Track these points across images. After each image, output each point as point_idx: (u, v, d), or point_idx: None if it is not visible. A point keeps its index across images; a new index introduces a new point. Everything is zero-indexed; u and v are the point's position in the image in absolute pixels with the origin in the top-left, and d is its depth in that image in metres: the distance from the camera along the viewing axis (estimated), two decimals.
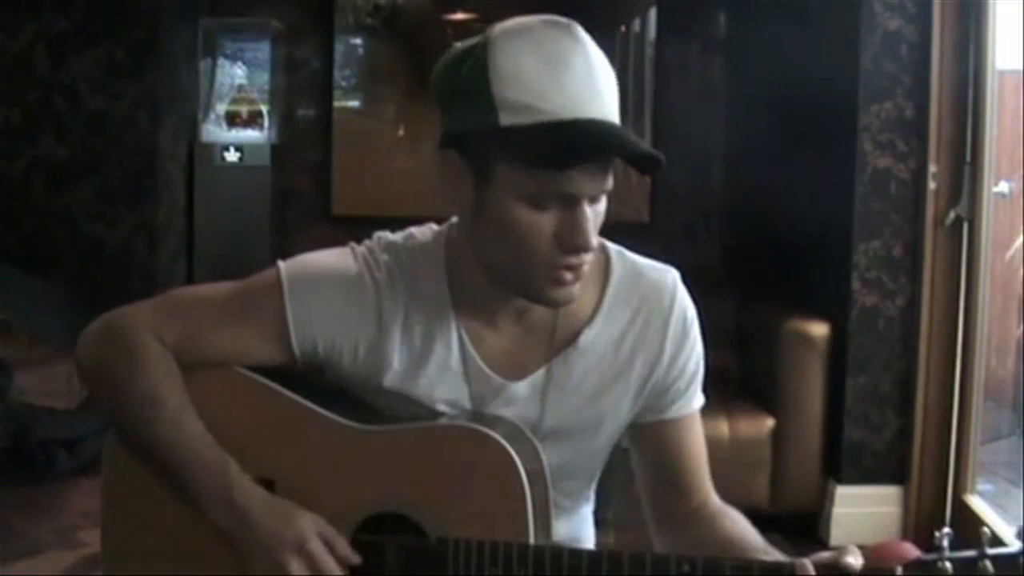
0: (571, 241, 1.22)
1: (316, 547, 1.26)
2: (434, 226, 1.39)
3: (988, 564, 1.07)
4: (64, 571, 2.52)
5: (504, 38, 1.21)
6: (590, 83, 1.20)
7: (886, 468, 3.48)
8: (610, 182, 1.23)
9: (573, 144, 1.18)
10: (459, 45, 1.27)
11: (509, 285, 1.29)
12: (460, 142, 1.25)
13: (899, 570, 1.09)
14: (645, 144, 1.24)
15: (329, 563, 1.26)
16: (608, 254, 1.38)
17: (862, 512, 3.42)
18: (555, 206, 1.21)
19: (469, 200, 1.26)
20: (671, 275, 1.40)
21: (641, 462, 1.44)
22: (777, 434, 3.49)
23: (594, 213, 1.24)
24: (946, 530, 1.10)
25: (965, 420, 3.36)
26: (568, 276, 1.25)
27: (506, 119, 1.19)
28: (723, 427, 3.45)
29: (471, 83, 1.21)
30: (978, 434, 3.41)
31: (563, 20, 1.24)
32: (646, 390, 1.38)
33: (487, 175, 1.23)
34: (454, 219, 1.36)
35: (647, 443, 1.41)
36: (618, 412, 1.38)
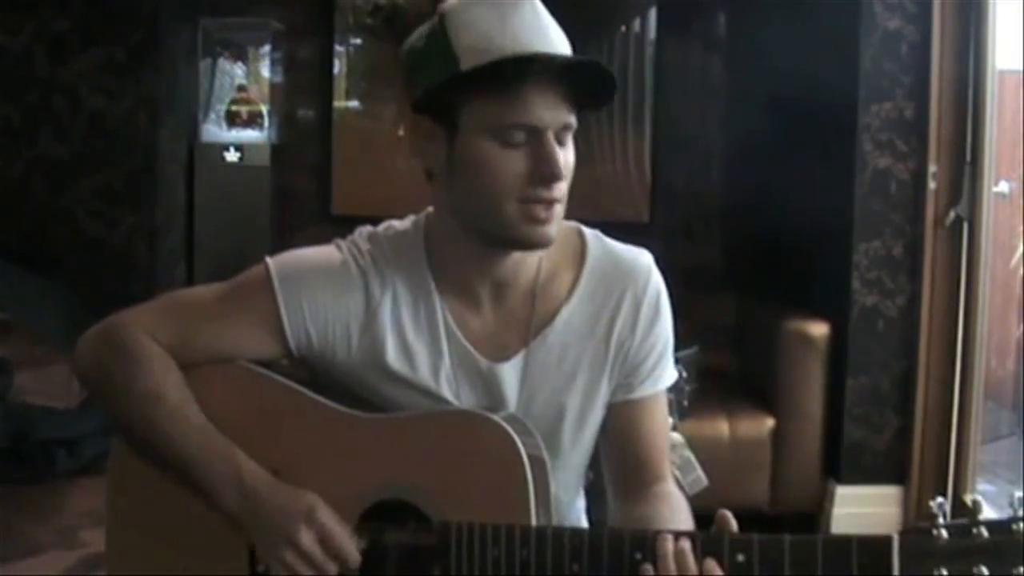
0: (541, 171, 1.27)
1: (326, 516, 1.28)
2: (412, 216, 1.43)
3: (982, 530, 1.08)
4: (64, 571, 2.51)
5: (458, 2, 1.30)
6: (538, 28, 1.28)
7: (886, 468, 3.48)
8: (574, 119, 1.29)
9: (523, 66, 1.24)
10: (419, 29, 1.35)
11: (487, 233, 1.32)
12: (429, 101, 1.31)
13: (895, 539, 1.09)
14: (595, 59, 1.30)
15: (338, 531, 1.28)
16: (584, 237, 1.43)
17: (862, 512, 3.42)
18: (522, 142, 1.27)
19: (442, 156, 1.31)
20: (645, 257, 1.44)
21: (605, 439, 1.46)
22: (777, 434, 3.49)
23: (564, 155, 1.29)
24: (940, 500, 1.11)
25: (965, 420, 3.36)
26: (542, 213, 1.29)
27: (466, 63, 1.26)
28: (723, 427, 3.44)
29: (433, 45, 1.29)
30: (978, 434, 3.41)
31: None
32: (617, 368, 1.40)
33: (455, 123, 1.29)
34: (430, 208, 1.40)
35: (612, 420, 1.44)
36: (598, 389, 1.40)
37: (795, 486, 3.50)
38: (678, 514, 1.36)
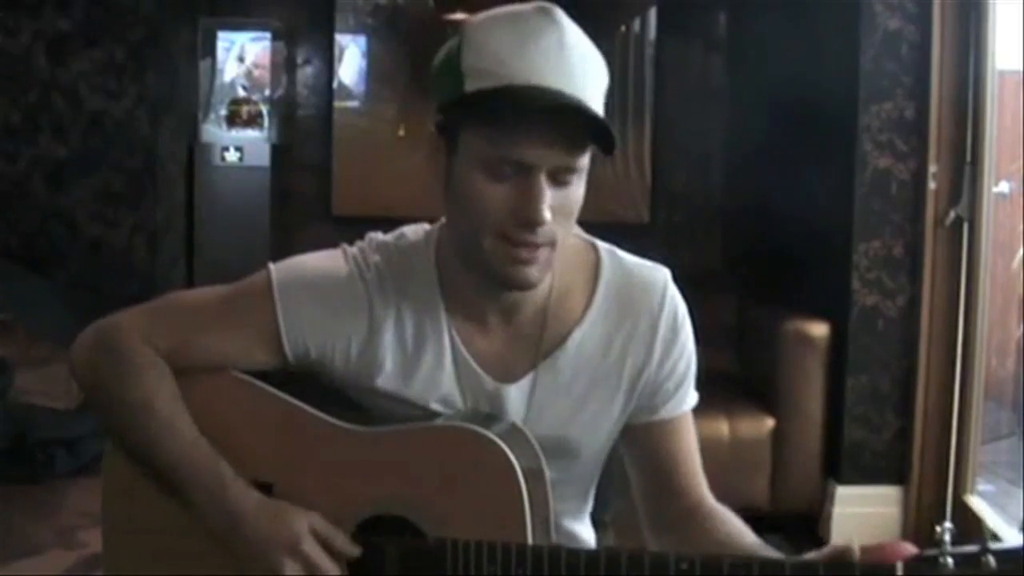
0: (522, 213, 1.19)
1: (310, 547, 1.25)
2: (426, 225, 1.38)
3: (990, 559, 1.04)
4: (64, 571, 2.51)
5: (483, 19, 1.24)
6: (559, 59, 1.19)
7: (886, 468, 3.48)
8: (577, 162, 1.21)
9: (518, 103, 1.17)
10: None
11: (471, 262, 1.27)
12: (439, 117, 1.26)
13: (900, 567, 1.07)
14: (597, 113, 1.20)
15: (324, 563, 1.26)
16: (599, 254, 1.37)
17: (862, 512, 3.42)
18: (511, 177, 1.19)
19: (443, 175, 1.26)
20: (661, 274, 1.38)
21: (633, 463, 1.42)
22: (777, 434, 3.49)
23: (561, 196, 1.21)
24: (947, 524, 1.07)
25: (965, 420, 3.36)
26: (523, 253, 1.21)
27: (470, 85, 1.20)
28: (723, 427, 3.45)
29: (448, 60, 1.23)
30: (978, 434, 3.40)
31: (547, 5, 1.23)
32: (636, 391, 1.36)
33: (455, 145, 1.23)
34: (443, 219, 1.35)
35: (639, 444, 1.40)
36: (609, 415, 1.37)
37: (795, 486, 3.50)
38: (735, 523, 1.31)
